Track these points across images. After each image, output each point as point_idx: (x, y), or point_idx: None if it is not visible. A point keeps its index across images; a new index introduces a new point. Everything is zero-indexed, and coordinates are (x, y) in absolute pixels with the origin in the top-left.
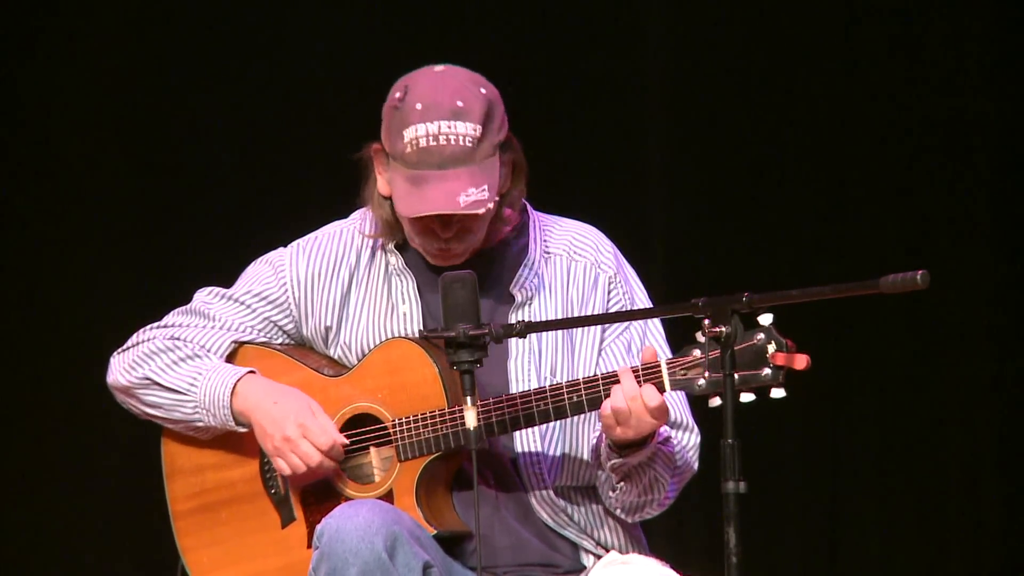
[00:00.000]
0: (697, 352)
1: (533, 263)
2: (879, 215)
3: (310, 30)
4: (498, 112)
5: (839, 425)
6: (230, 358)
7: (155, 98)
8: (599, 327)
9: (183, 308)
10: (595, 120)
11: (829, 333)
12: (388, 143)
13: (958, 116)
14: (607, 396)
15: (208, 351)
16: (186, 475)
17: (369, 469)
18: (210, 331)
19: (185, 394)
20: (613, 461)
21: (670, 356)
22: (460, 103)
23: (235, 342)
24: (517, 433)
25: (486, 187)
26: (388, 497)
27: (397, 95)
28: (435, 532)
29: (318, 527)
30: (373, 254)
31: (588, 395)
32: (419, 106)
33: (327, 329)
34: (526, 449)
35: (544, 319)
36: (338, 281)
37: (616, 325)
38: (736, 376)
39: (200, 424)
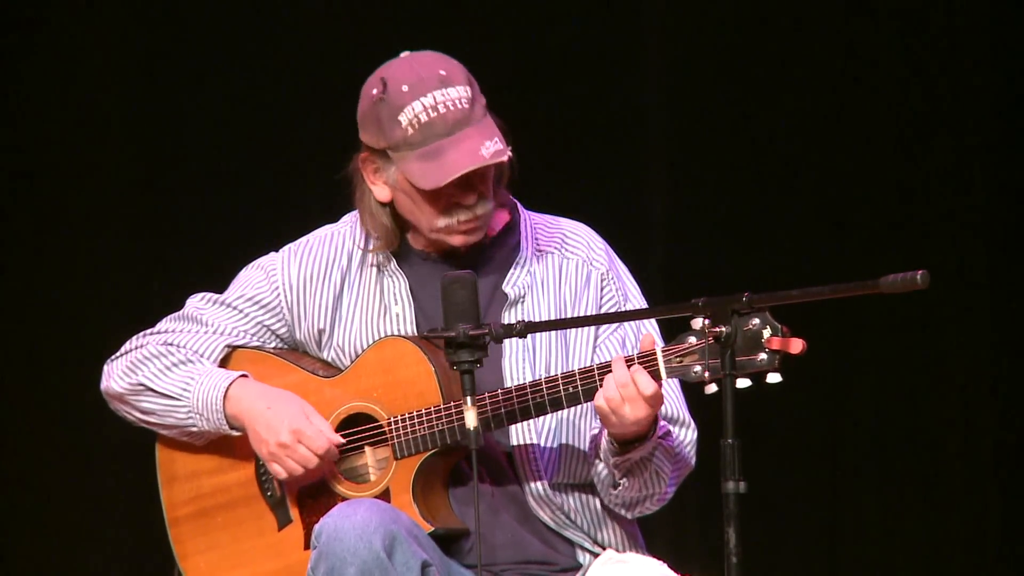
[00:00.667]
0: (692, 339)
1: (525, 261)
2: (879, 215)
3: (308, 34)
4: (475, 81)
5: (839, 425)
6: (223, 362)
7: (148, 105)
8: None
9: (176, 314)
10: (595, 120)
11: (829, 333)
12: (383, 138)
13: (958, 116)
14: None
15: (201, 356)
16: (181, 481)
17: (364, 469)
18: (203, 336)
19: (178, 399)
20: (616, 458)
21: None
22: (442, 72)
23: (228, 346)
24: (513, 430)
25: (497, 138)
26: (384, 495)
27: (375, 91)
28: (432, 529)
29: (316, 527)
30: (365, 256)
31: (584, 386)
32: (405, 88)
33: (320, 332)
34: (521, 445)
35: (537, 316)
36: (330, 284)
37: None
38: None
39: (194, 429)
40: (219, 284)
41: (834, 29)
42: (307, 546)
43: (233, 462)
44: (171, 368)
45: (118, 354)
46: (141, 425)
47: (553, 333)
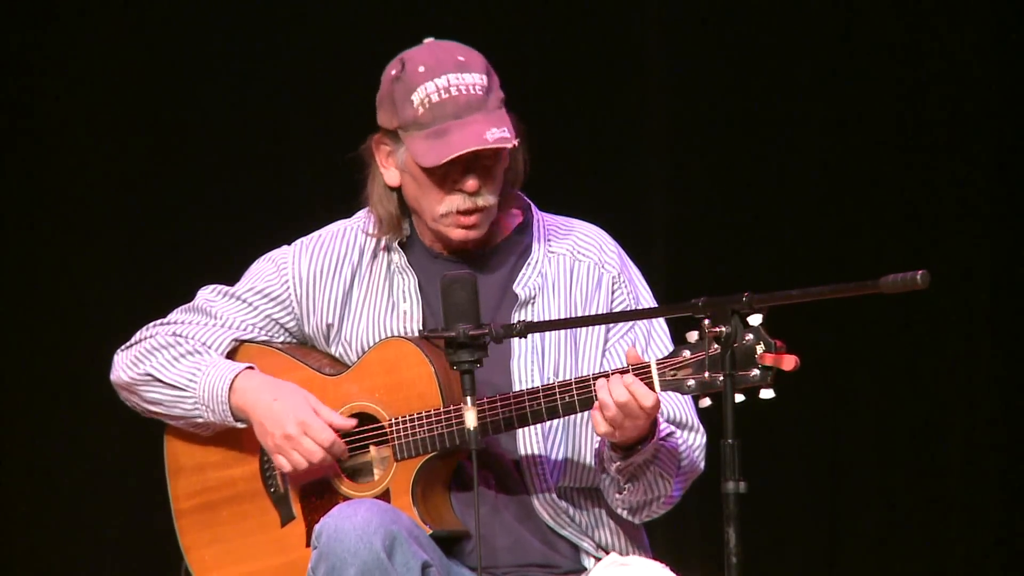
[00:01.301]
0: (687, 353)
1: (537, 262)
2: (879, 215)
3: (313, 27)
4: (495, 75)
5: (839, 425)
6: (231, 356)
7: (160, 93)
8: (603, 327)
9: (186, 306)
10: (595, 120)
11: (829, 333)
12: (396, 117)
13: (959, 116)
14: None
15: (209, 347)
16: (188, 473)
17: (368, 468)
18: (211, 328)
19: (185, 390)
20: (618, 464)
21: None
22: (461, 57)
23: (236, 340)
24: (520, 434)
25: (505, 128)
26: (385, 496)
27: (393, 72)
28: (431, 532)
29: (316, 527)
30: (376, 252)
31: (580, 396)
32: (422, 69)
33: (328, 326)
34: (529, 450)
35: (548, 317)
36: (340, 278)
37: (621, 325)
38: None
39: (200, 420)
40: (223, 278)
41: (835, 29)
42: (309, 543)
43: (239, 456)
44: (178, 359)
45: (128, 344)
46: (149, 415)
47: (563, 335)
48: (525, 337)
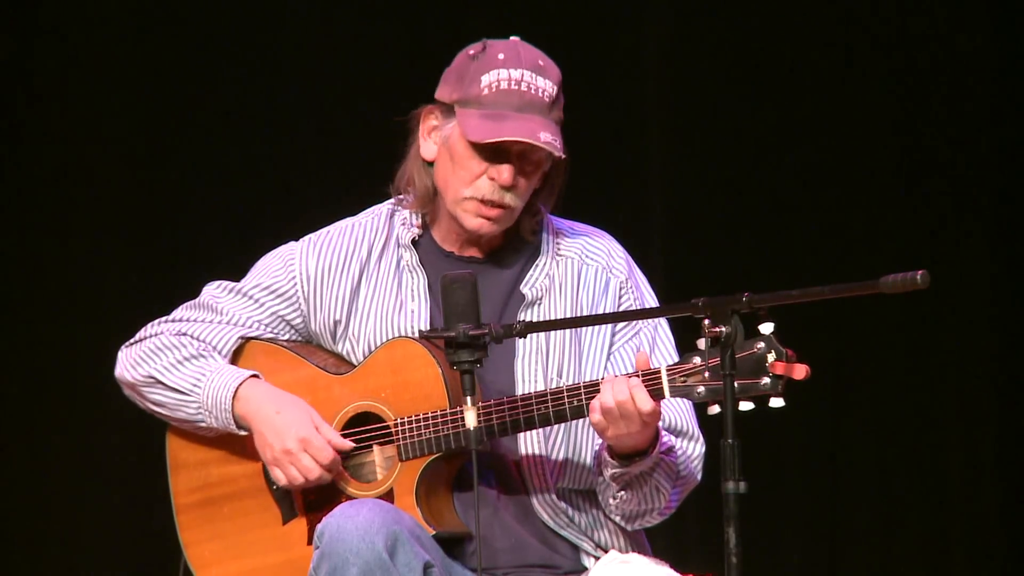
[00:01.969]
0: (697, 360)
1: (545, 264)
2: (879, 215)
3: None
4: (562, 96)
5: (839, 425)
6: (236, 354)
7: (167, 88)
8: (608, 331)
9: (192, 302)
10: (595, 120)
11: (829, 333)
12: (459, 91)
13: (959, 116)
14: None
15: (214, 348)
16: (190, 469)
17: (371, 468)
18: (217, 326)
19: (188, 395)
20: (614, 471)
21: (675, 362)
22: (541, 62)
23: (242, 338)
24: (522, 436)
25: (558, 140)
26: (388, 496)
27: (472, 51)
28: (434, 532)
29: (319, 526)
30: (385, 249)
31: (588, 399)
32: (501, 56)
33: (336, 323)
34: (530, 451)
35: (554, 319)
36: (348, 275)
37: (625, 329)
38: (735, 384)
39: (203, 424)
40: (229, 274)
41: (834, 28)
42: (310, 542)
43: (242, 452)
44: (183, 362)
45: (133, 340)
46: (151, 414)
47: (567, 336)
48: (525, 337)
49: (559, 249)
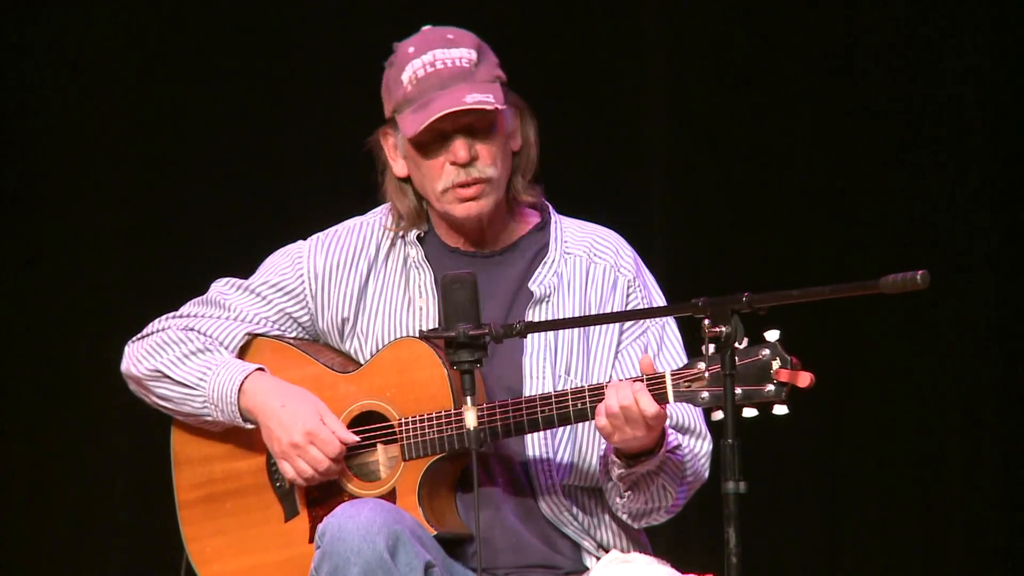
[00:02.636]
0: (702, 365)
1: (553, 261)
2: (879, 215)
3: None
4: (491, 53)
5: (840, 425)
6: (243, 350)
7: (172, 84)
8: (616, 329)
9: (199, 298)
10: (596, 120)
11: (829, 333)
12: (391, 100)
13: (958, 116)
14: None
15: (220, 344)
16: (194, 464)
17: (375, 467)
18: (224, 322)
19: (195, 388)
20: (620, 471)
21: (685, 362)
22: (450, 36)
23: (248, 334)
24: (528, 437)
25: (491, 95)
26: (391, 496)
27: (387, 61)
28: (435, 532)
29: (320, 526)
30: (392, 247)
31: (592, 403)
32: (411, 49)
33: (344, 321)
34: (536, 452)
35: (562, 316)
36: (356, 273)
37: (633, 328)
38: (739, 391)
39: (209, 418)
40: (237, 272)
41: (835, 28)
42: (312, 539)
43: (246, 449)
44: (189, 356)
45: (140, 336)
46: (157, 408)
47: (576, 334)
48: (525, 337)
49: (567, 247)
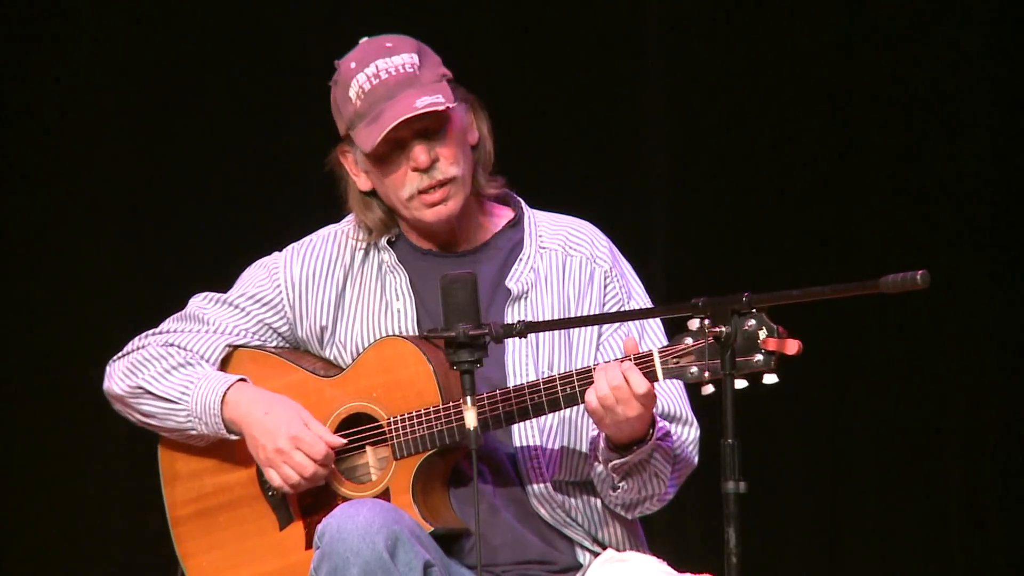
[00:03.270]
0: (689, 340)
1: (528, 257)
2: (879, 215)
3: (308, 35)
4: (432, 53)
5: (840, 425)
6: (225, 362)
7: (149, 105)
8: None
9: (178, 314)
10: (596, 120)
11: (829, 333)
12: (343, 119)
13: (958, 116)
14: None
15: (201, 357)
16: (184, 480)
17: (366, 469)
18: (204, 336)
19: (177, 403)
20: (614, 461)
21: (666, 344)
22: (389, 44)
23: (229, 346)
24: (515, 428)
25: (440, 95)
26: (384, 496)
27: (332, 80)
28: (432, 529)
29: (319, 527)
30: (367, 253)
31: (581, 386)
32: (353, 64)
33: (322, 329)
34: (524, 444)
35: (540, 313)
36: (332, 281)
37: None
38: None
39: (193, 432)
40: (221, 285)
41: (835, 29)
42: (308, 546)
43: (235, 461)
44: (170, 371)
45: (120, 354)
46: (142, 426)
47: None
48: (525, 337)
49: (542, 242)
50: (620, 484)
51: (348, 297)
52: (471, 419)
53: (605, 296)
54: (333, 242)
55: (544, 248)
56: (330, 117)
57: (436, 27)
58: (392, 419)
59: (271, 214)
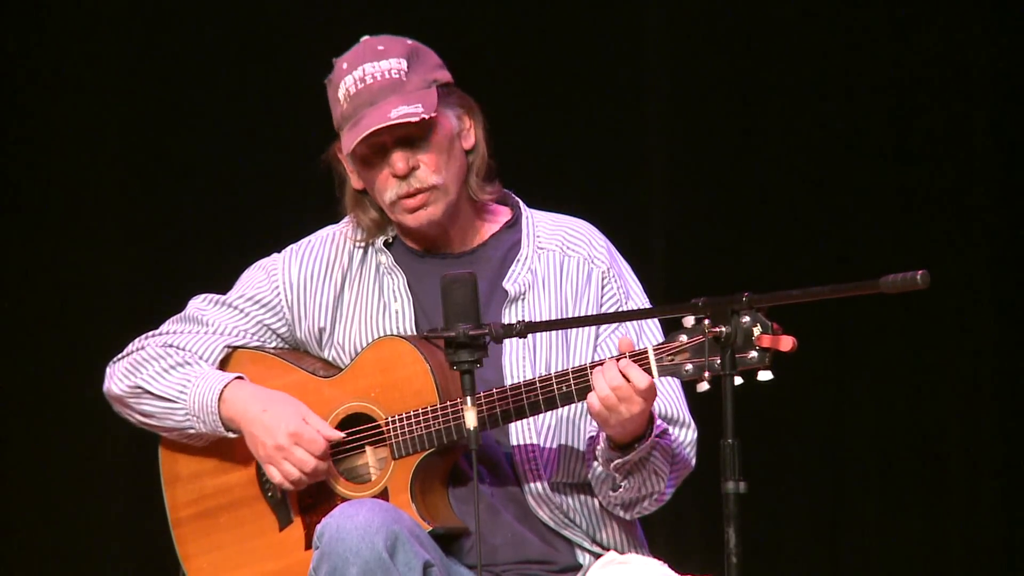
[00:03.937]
0: (684, 338)
1: (526, 258)
2: (879, 215)
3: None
4: (428, 56)
5: (840, 425)
6: (224, 363)
7: (150, 109)
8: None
9: (178, 316)
10: (595, 119)
11: (829, 333)
12: (335, 119)
13: (958, 116)
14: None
15: (200, 357)
16: (184, 482)
17: (365, 469)
18: (203, 336)
19: (175, 402)
20: (616, 461)
21: (661, 342)
22: (381, 47)
23: (228, 347)
24: (512, 428)
25: (420, 105)
26: (383, 495)
27: (327, 78)
28: (431, 529)
29: (318, 527)
30: (365, 255)
31: (577, 385)
32: (345, 65)
33: (321, 330)
34: (521, 444)
35: (538, 314)
36: (331, 282)
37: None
38: (722, 360)
39: (192, 431)
40: (221, 286)
41: (834, 29)
42: (308, 546)
43: (235, 462)
44: (168, 371)
45: (120, 356)
46: (142, 427)
47: (555, 331)
48: (525, 337)
49: (539, 242)
50: (622, 483)
51: (346, 298)
52: (471, 419)
53: (603, 296)
54: (331, 243)
55: (542, 249)
56: (330, 117)
57: (436, 27)
58: (390, 419)
59: (271, 214)
